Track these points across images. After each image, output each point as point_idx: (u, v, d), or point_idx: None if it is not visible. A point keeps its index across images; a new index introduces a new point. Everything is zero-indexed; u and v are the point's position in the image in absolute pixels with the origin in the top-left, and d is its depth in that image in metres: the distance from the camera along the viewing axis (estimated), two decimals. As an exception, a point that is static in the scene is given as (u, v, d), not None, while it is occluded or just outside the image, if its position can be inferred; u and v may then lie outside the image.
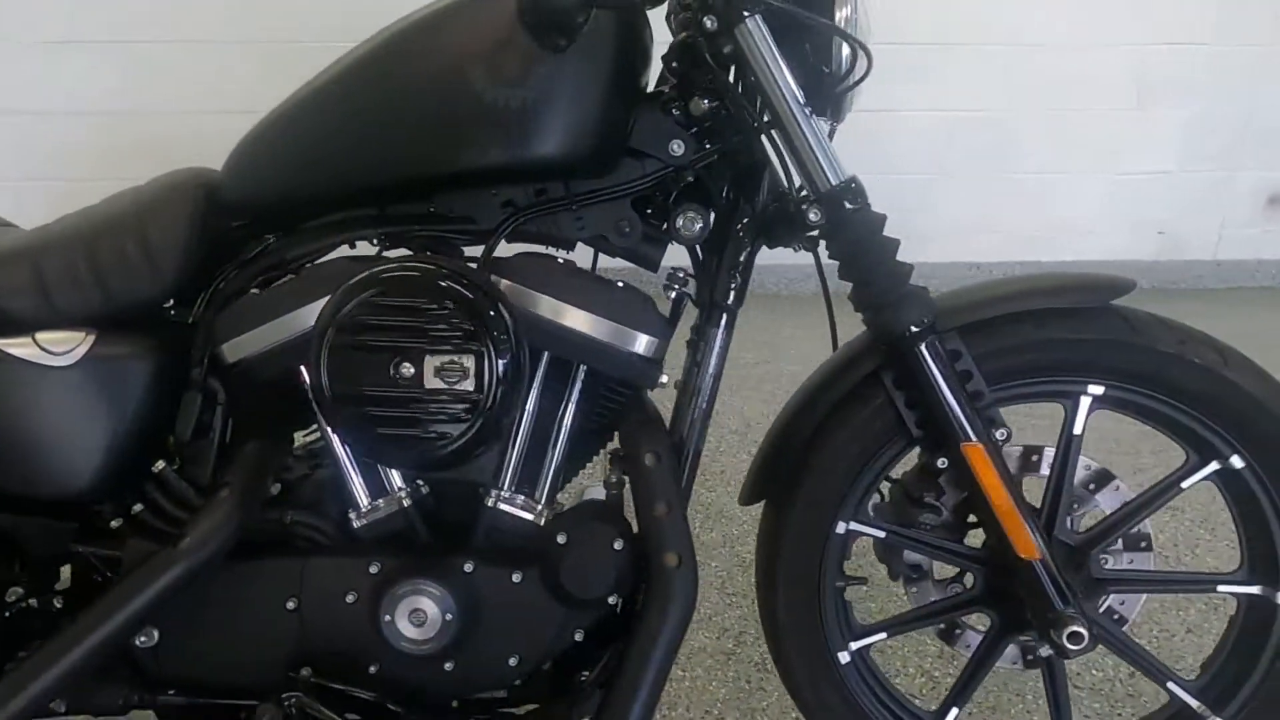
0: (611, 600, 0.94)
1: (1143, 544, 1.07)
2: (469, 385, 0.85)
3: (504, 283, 0.92)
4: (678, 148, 0.94)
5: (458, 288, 0.85)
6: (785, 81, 0.88)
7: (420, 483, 0.98)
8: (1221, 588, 1.04)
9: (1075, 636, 0.94)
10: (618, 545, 0.94)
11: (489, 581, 0.94)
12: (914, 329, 0.91)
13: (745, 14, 0.84)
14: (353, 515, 0.97)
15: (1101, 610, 1.07)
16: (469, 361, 0.85)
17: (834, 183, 0.90)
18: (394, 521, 0.97)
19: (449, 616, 0.92)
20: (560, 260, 0.95)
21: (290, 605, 0.94)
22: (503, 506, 0.96)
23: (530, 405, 0.95)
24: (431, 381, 0.85)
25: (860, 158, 3.04)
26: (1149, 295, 3.28)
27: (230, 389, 0.96)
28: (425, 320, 0.84)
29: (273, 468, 0.97)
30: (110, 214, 0.96)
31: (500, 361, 0.85)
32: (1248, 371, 0.96)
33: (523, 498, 0.96)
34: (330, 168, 0.94)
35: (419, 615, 0.92)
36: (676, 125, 0.95)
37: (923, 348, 0.91)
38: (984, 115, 3.09)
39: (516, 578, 0.94)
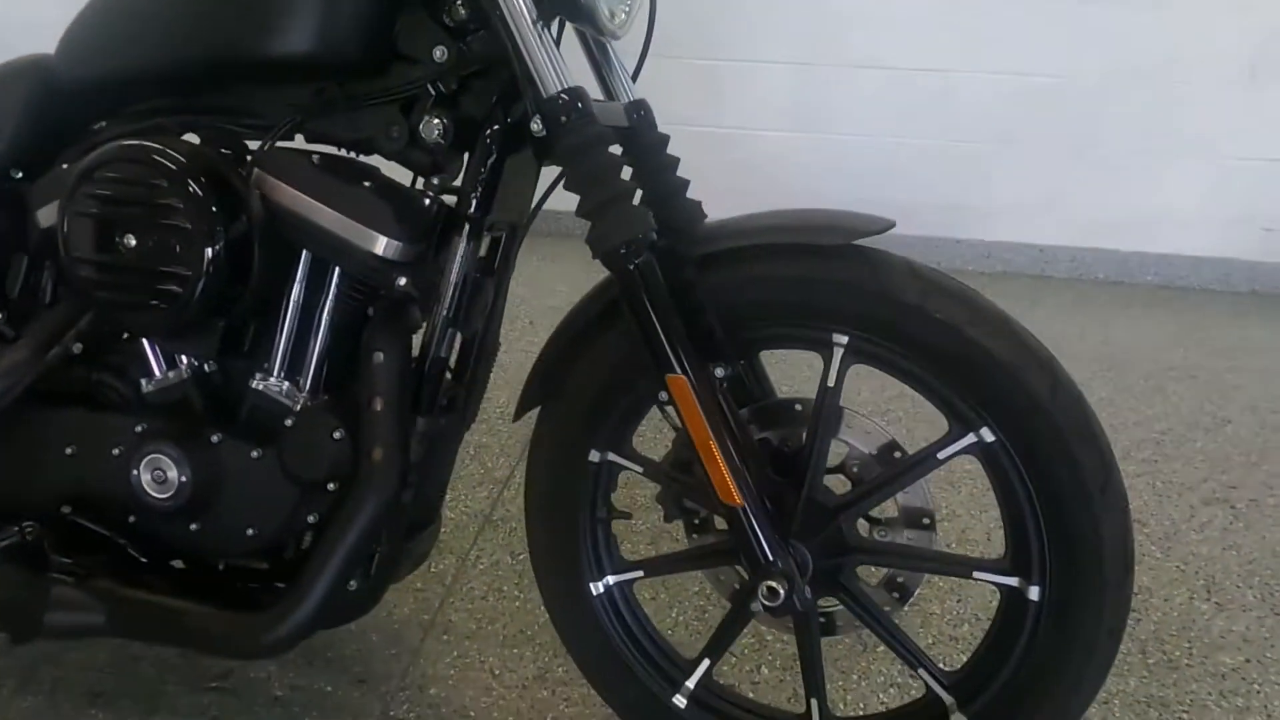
0: (331, 487, 0.99)
1: (924, 520, 0.99)
2: (184, 263, 0.91)
3: (266, 177, 0.97)
4: (440, 54, 0.95)
5: (182, 171, 0.90)
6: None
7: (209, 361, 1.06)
8: (978, 574, 0.94)
9: (771, 592, 0.90)
10: (337, 435, 0.98)
11: (230, 454, 1.01)
12: (624, 248, 0.88)
13: None
14: (144, 381, 1.06)
15: (880, 582, 1.01)
16: (185, 240, 0.90)
17: (550, 92, 0.88)
18: (174, 391, 1.05)
19: (184, 479, 0.99)
20: (316, 158, 0.98)
21: (69, 450, 1.05)
22: (262, 388, 1.02)
23: (296, 295, 1.01)
24: (149, 255, 0.91)
25: (910, 120, 2.89)
26: (1250, 299, 2.93)
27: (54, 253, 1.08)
28: (149, 197, 0.91)
29: (75, 328, 1.07)
30: None
31: (211, 245, 0.90)
32: (1000, 333, 0.86)
33: (287, 384, 1.02)
34: (136, 56, 1.01)
35: (159, 474, 1.00)
36: (442, 31, 0.95)
37: (633, 268, 0.88)
38: (1061, 82, 2.80)
39: (255, 454, 1.00)
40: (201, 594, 1.02)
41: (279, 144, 0.99)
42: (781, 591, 0.89)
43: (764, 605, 0.90)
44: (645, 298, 0.89)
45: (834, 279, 0.89)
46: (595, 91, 0.98)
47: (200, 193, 0.90)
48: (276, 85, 1.00)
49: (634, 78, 1.09)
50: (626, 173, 0.93)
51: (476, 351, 1.08)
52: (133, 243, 0.92)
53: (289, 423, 0.99)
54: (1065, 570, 0.87)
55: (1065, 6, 2.72)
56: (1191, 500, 1.78)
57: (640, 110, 1.05)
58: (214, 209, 0.90)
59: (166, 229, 0.91)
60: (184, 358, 1.04)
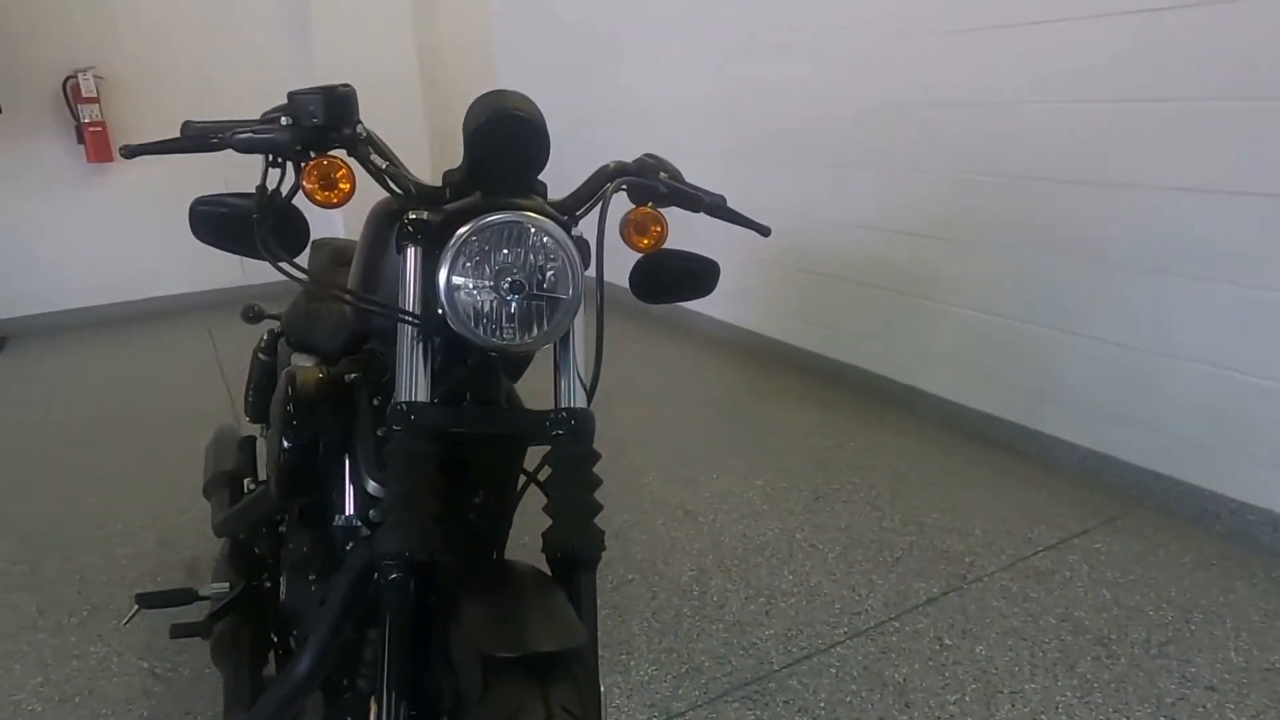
0: None
1: None
2: (284, 438, 1.25)
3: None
4: None
5: (292, 389, 1.25)
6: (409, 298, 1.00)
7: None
8: None
9: None
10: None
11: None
12: (386, 559, 0.93)
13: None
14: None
15: None
16: (281, 427, 1.25)
17: (398, 398, 0.97)
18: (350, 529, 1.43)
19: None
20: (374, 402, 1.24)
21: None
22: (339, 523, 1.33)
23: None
24: (271, 435, 1.29)
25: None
26: None
27: None
28: (280, 398, 1.29)
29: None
30: None
31: (285, 441, 1.24)
32: None
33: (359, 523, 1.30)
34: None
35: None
36: None
37: (390, 580, 0.93)
38: None
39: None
40: None
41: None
42: None
43: None
44: (385, 611, 0.91)
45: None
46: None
47: (292, 405, 1.25)
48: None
49: (590, 391, 1.05)
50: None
51: None
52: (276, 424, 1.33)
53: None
54: None
55: None
56: None
57: (574, 419, 1.02)
58: (295, 419, 1.24)
59: (279, 419, 1.28)
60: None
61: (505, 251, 0.96)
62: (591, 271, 1.02)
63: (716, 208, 1.21)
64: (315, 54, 5.08)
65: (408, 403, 0.97)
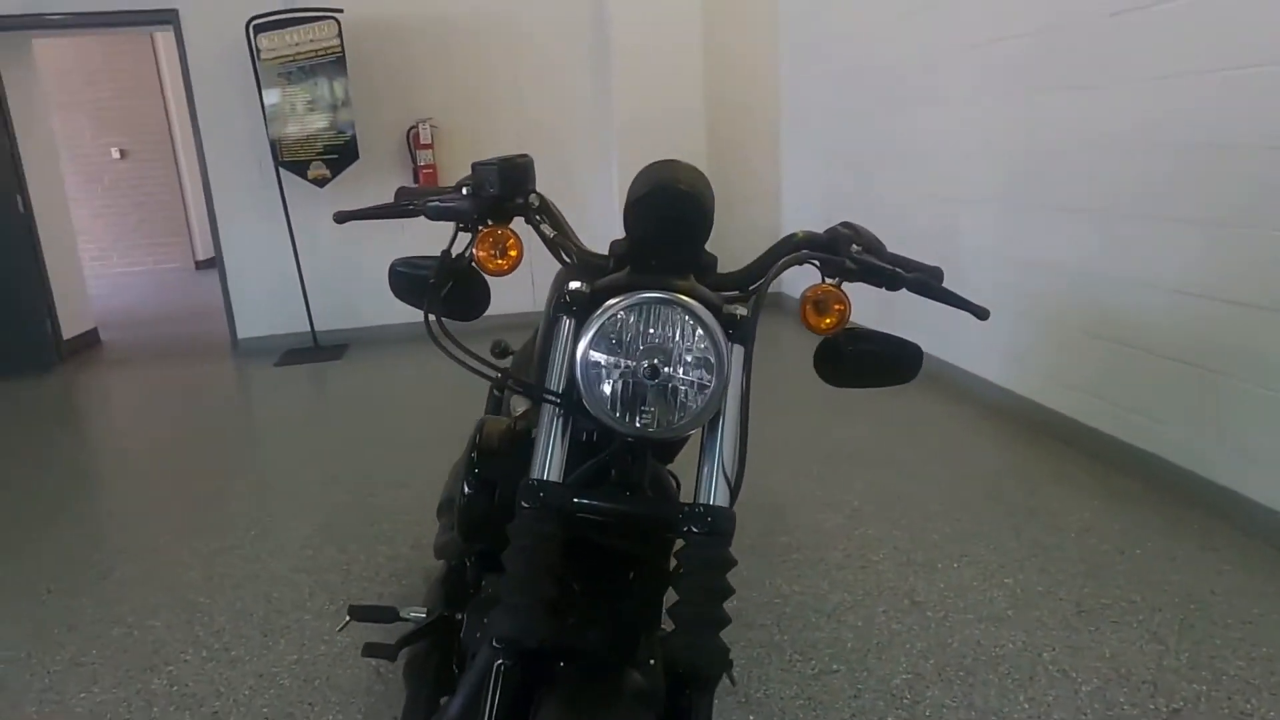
0: None
1: None
2: (464, 486, 1.30)
3: None
4: None
5: (479, 437, 1.31)
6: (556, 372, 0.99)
7: None
8: None
9: None
10: None
11: None
12: (495, 642, 0.91)
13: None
14: None
15: None
16: (465, 472, 1.31)
17: (531, 475, 0.95)
18: None
19: None
20: None
21: None
22: None
23: None
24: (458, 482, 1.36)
25: None
26: None
27: None
28: (468, 448, 1.35)
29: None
30: None
31: (466, 485, 1.29)
32: None
33: None
34: None
35: None
36: None
37: (497, 665, 0.92)
38: None
39: None
40: None
41: None
42: None
43: None
44: (485, 693, 0.89)
45: None
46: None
47: (475, 452, 1.30)
48: None
49: (734, 489, 0.95)
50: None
51: None
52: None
53: None
54: None
55: None
56: None
57: (710, 517, 0.94)
58: (475, 465, 1.29)
59: (464, 463, 1.33)
60: None
61: (652, 331, 0.91)
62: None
63: (921, 285, 1.05)
64: (613, 99, 5.43)
65: (539, 480, 0.95)
